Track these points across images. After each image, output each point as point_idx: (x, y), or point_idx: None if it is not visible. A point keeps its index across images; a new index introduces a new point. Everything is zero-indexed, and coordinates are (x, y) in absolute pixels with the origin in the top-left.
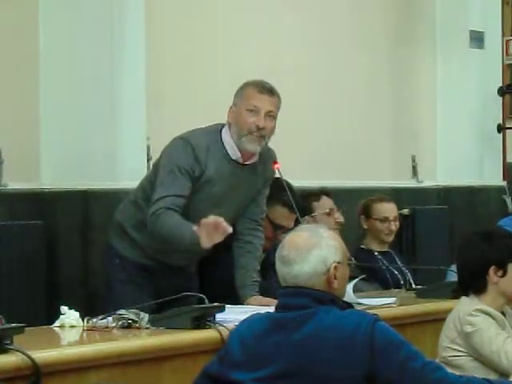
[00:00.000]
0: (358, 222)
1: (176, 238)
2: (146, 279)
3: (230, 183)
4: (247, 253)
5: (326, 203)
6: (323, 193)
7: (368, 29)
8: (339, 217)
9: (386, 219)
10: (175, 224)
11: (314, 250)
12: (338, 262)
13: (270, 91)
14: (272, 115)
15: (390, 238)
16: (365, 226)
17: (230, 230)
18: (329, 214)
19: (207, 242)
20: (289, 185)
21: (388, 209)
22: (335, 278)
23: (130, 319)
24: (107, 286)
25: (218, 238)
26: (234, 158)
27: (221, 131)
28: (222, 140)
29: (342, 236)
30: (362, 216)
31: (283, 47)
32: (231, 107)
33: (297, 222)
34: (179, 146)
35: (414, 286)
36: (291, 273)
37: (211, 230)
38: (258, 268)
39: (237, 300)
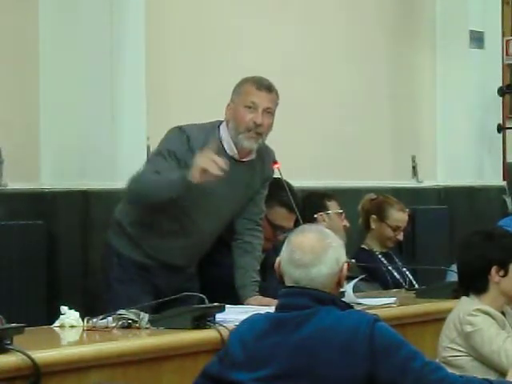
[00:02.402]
0: (365, 218)
1: (162, 183)
2: (145, 278)
3: (226, 179)
4: (246, 253)
5: (339, 205)
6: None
7: (368, 29)
8: (346, 221)
9: (397, 228)
10: (158, 175)
11: (328, 251)
12: (346, 261)
13: (267, 88)
14: (270, 112)
15: (393, 244)
16: (372, 226)
17: (225, 166)
18: (340, 216)
19: (198, 175)
20: (288, 185)
21: (403, 219)
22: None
23: (130, 319)
24: (106, 285)
25: (210, 176)
26: (230, 154)
27: (219, 127)
28: (219, 135)
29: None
30: (374, 216)
31: (283, 47)
32: (229, 104)
33: (296, 223)
34: (175, 133)
35: (414, 286)
36: (309, 275)
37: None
38: (258, 268)
39: (236, 300)
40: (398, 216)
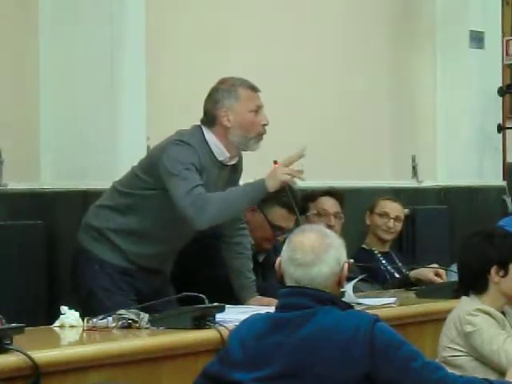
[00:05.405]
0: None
1: (236, 200)
2: (129, 284)
3: (217, 185)
4: (239, 254)
5: (320, 204)
6: (329, 193)
7: (368, 29)
8: (331, 220)
9: (385, 214)
10: (224, 193)
11: (329, 251)
12: (346, 261)
13: (256, 88)
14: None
15: (388, 236)
16: (367, 222)
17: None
18: (320, 215)
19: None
20: (289, 185)
21: (390, 206)
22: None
23: (130, 319)
24: (87, 293)
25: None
26: (220, 158)
27: (202, 132)
28: (206, 141)
29: (344, 235)
30: (368, 212)
31: (283, 47)
32: (224, 110)
33: (297, 223)
34: (184, 148)
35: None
36: (309, 275)
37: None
38: (252, 266)
39: (231, 298)
40: (385, 203)
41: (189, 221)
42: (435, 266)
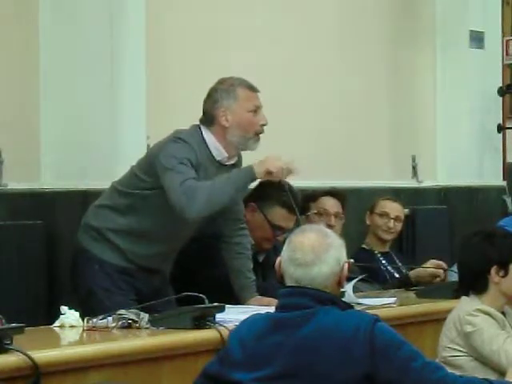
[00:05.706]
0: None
1: (224, 187)
2: (128, 283)
3: None
4: (238, 254)
5: (321, 204)
6: (330, 193)
7: (368, 29)
8: (331, 220)
9: (385, 214)
10: (212, 181)
11: (330, 251)
12: (346, 261)
13: (255, 87)
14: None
15: (388, 237)
16: (368, 222)
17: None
18: (321, 214)
19: (264, 175)
20: (289, 185)
21: (390, 206)
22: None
23: (130, 319)
24: (87, 293)
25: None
26: (218, 158)
27: (201, 132)
28: (204, 141)
29: (344, 235)
30: (368, 212)
31: (283, 47)
32: (223, 110)
33: (297, 223)
34: (181, 145)
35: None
36: (309, 275)
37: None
38: (252, 266)
39: (231, 298)
40: (385, 203)
41: (179, 211)
42: (433, 261)
